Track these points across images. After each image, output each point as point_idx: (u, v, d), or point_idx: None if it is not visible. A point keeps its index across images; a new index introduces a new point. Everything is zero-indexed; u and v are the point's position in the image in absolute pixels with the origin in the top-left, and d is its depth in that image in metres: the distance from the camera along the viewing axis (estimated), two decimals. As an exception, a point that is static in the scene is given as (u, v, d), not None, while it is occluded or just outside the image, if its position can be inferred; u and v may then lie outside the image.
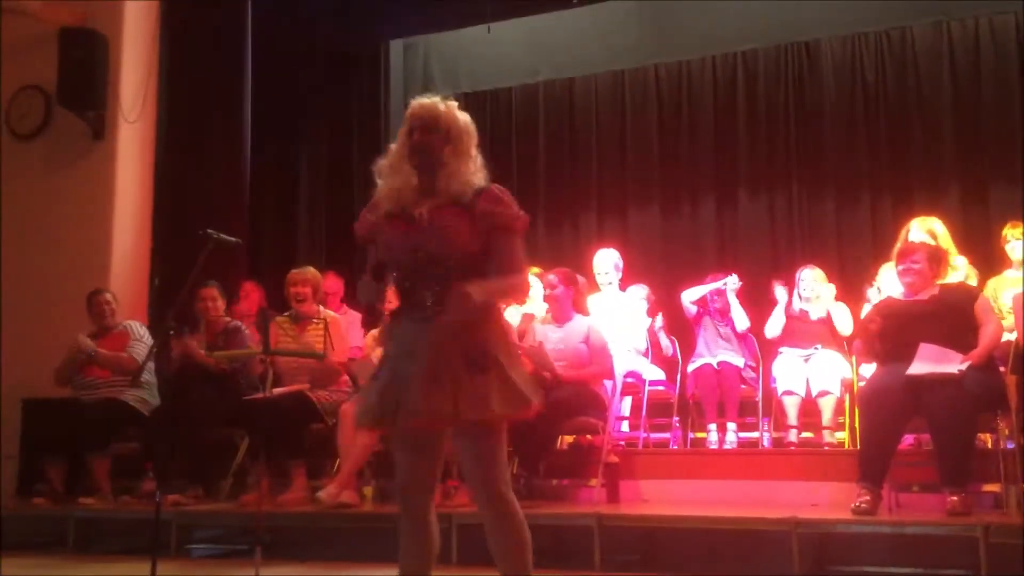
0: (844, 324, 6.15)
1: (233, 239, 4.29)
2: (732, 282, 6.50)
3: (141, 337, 6.23)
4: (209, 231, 4.14)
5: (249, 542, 4.83)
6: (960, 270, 5.55)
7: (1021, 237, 5.64)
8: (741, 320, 6.49)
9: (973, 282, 5.57)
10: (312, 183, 8.97)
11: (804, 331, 6.19)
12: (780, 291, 6.32)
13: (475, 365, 2.67)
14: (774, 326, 6.28)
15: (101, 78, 7.22)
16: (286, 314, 5.88)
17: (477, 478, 2.77)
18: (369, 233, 2.90)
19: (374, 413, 2.76)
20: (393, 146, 2.91)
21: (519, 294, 2.93)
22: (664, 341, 6.55)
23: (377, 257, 2.85)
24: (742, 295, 6.60)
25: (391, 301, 2.91)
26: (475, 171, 2.85)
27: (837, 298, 6.33)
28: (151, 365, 6.04)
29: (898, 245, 5.39)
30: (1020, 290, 5.03)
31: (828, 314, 6.21)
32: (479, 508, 2.80)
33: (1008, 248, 5.73)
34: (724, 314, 6.55)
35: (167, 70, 7.69)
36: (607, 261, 6.56)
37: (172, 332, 5.40)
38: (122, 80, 7.38)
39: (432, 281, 2.75)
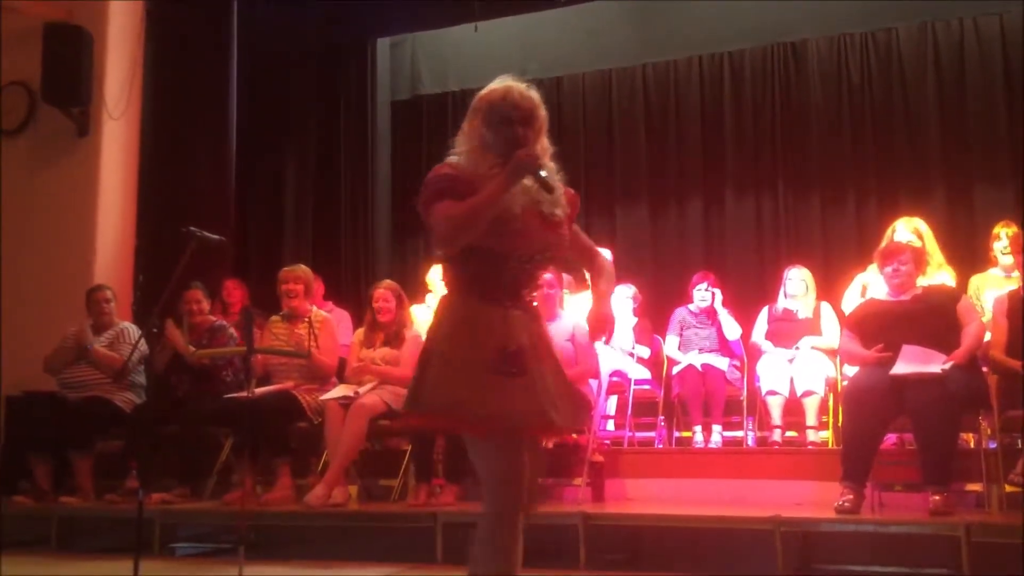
0: (830, 335, 6.02)
1: (216, 237, 4.27)
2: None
3: (133, 341, 6.14)
4: (192, 229, 4.11)
5: (233, 541, 4.83)
6: (941, 271, 5.56)
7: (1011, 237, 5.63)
8: (732, 329, 6.48)
9: (951, 283, 5.58)
10: (299, 180, 8.94)
11: (789, 331, 6.19)
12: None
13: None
14: (759, 337, 6.28)
15: (86, 74, 7.19)
16: (280, 313, 5.86)
17: (532, 484, 2.69)
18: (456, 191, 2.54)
19: (523, 417, 2.50)
20: (465, 127, 2.67)
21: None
22: (636, 350, 6.51)
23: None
24: (728, 295, 6.59)
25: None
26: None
27: (819, 297, 6.32)
28: (142, 368, 6.01)
29: (883, 245, 5.40)
30: (1002, 291, 5.05)
31: (814, 314, 6.20)
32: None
33: (999, 246, 5.69)
34: (711, 316, 6.53)
35: (152, 66, 7.66)
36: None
37: (156, 330, 5.37)
38: (107, 76, 7.34)
39: (538, 278, 2.75)
